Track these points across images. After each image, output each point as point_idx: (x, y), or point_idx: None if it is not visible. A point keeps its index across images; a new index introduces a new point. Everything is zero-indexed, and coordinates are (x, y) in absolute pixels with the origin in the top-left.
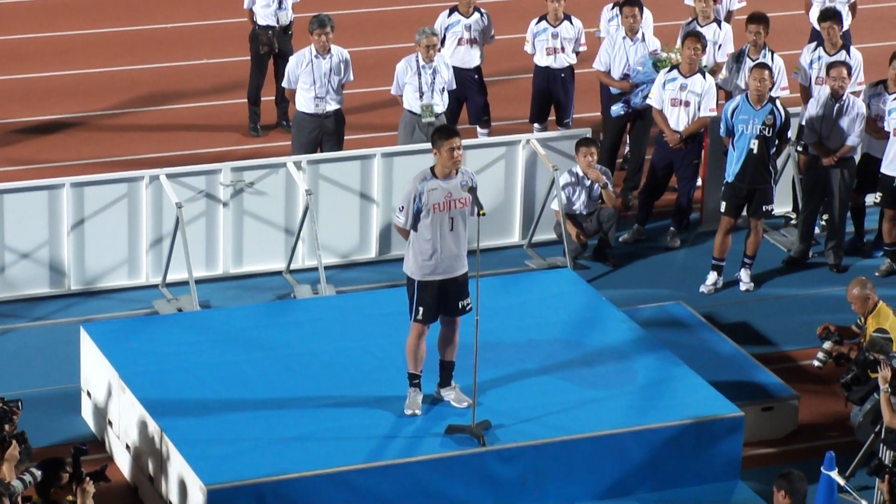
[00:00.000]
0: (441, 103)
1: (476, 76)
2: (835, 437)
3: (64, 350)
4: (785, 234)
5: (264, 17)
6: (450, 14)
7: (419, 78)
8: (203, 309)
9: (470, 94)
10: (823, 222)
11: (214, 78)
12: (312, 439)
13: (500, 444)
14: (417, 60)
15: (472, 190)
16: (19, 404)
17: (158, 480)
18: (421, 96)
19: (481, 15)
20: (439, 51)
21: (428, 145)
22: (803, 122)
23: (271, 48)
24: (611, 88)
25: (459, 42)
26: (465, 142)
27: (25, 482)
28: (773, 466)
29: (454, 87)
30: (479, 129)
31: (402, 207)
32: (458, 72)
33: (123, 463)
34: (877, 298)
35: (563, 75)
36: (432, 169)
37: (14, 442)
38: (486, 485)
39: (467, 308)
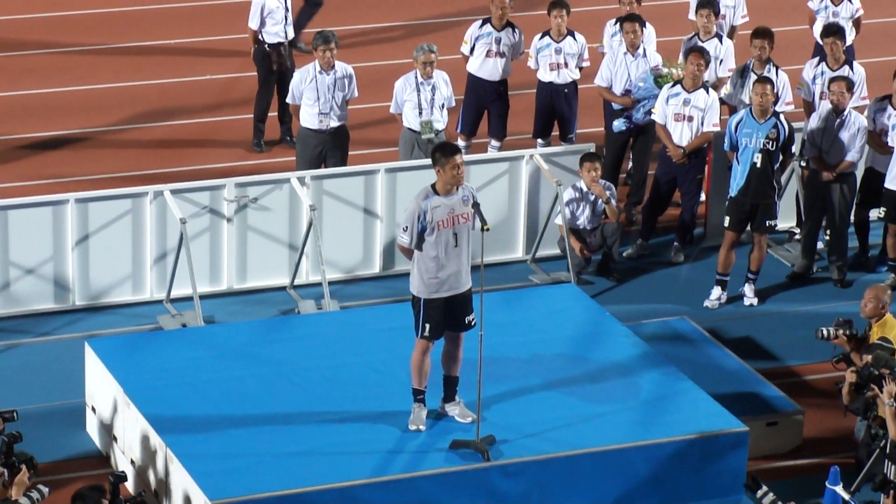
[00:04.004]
0: (441, 119)
1: (502, 89)
2: (839, 451)
3: (69, 365)
4: (789, 250)
5: (273, 35)
6: (481, 25)
7: (418, 94)
8: (207, 324)
9: (492, 107)
10: (827, 237)
11: (218, 94)
12: (317, 454)
13: (504, 459)
14: (416, 77)
15: (476, 205)
16: (14, 415)
17: (163, 495)
18: (420, 113)
19: (513, 29)
20: (466, 59)
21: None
22: (805, 137)
23: (282, 66)
24: (612, 104)
25: (488, 54)
26: (468, 157)
27: (33, 499)
28: (778, 481)
29: (453, 104)
30: (492, 142)
31: (406, 227)
32: (483, 83)
33: (131, 479)
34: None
35: (566, 90)
36: (433, 186)
37: (24, 467)
38: (491, 500)
39: (472, 323)
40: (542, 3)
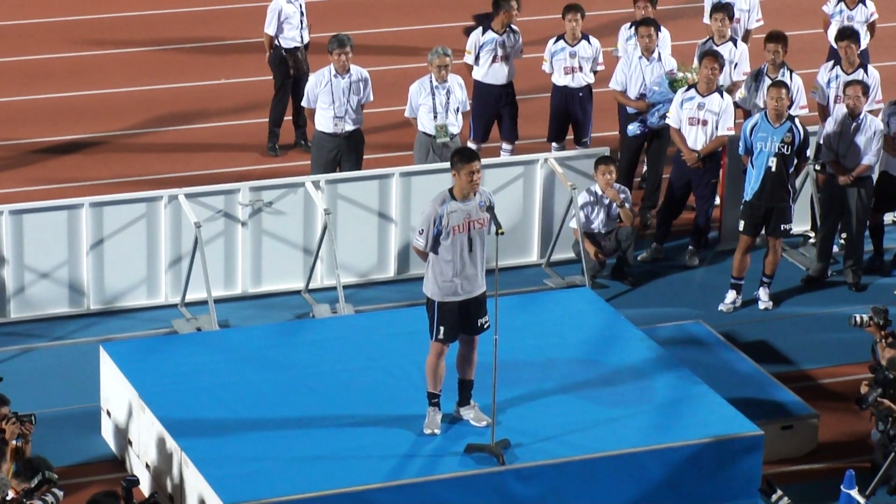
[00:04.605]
0: (456, 123)
1: (510, 91)
2: (855, 455)
3: (83, 370)
4: (804, 253)
5: (290, 40)
6: (483, 32)
7: (433, 98)
8: (222, 328)
9: (503, 111)
10: (842, 241)
11: (233, 98)
12: (331, 458)
13: (519, 463)
14: (431, 81)
15: (490, 209)
16: (33, 419)
17: (178, 499)
18: (435, 117)
19: (512, 31)
20: (471, 68)
21: (445, 165)
22: (821, 141)
23: (298, 70)
24: (627, 108)
25: (494, 59)
26: (483, 161)
27: (48, 503)
28: (793, 485)
29: (468, 108)
30: (504, 145)
31: (422, 231)
32: (492, 89)
33: (143, 482)
34: None
35: (581, 94)
36: (451, 190)
37: None
38: None
39: (486, 326)
40: (556, 7)
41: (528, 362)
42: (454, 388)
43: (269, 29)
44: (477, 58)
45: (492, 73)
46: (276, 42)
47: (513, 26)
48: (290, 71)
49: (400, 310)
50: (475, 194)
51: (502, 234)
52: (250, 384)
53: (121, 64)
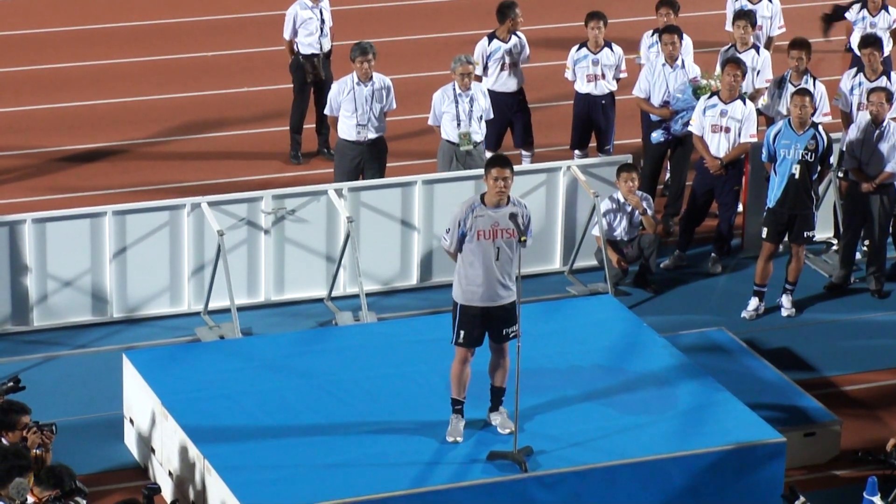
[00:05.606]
0: (479, 131)
1: (521, 97)
2: (877, 462)
3: (107, 377)
4: (826, 260)
5: (307, 45)
6: (489, 42)
7: (456, 106)
8: (245, 336)
9: (515, 118)
10: (865, 248)
11: (255, 106)
12: (354, 466)
13: (542, 470)
14: (454, 89)
15: (513, 216)
16: (53, 428)
17: None
18: (458, 124)
19: (518, 38)
20: (479, 79)
21: (468, 172)
22: (844, 148)
23: (317, 77)
24: (651, 115)
25: (503, 67)
26: None
27: None
28: (816, 492)
29: (491, 115)
30: (523, 152)
31: (449, 230)
32: (504, 97)
33: (166, 490)
34: None
35: (603, 102)
36: (483, 196)
37: None
38: None
39: (511, 336)
40: (579, 14)
41: (550, 369)
42: (478, 396)
43: (286, 33)
44: (485, 68)
45: (501, 81)
46: (295, 47)
47: (518, 33)
48: (306, 77)
49: (423, 317)
50: (507, 202)
51: (524, 241)
52: (273, 392)
53: (143, 72)
